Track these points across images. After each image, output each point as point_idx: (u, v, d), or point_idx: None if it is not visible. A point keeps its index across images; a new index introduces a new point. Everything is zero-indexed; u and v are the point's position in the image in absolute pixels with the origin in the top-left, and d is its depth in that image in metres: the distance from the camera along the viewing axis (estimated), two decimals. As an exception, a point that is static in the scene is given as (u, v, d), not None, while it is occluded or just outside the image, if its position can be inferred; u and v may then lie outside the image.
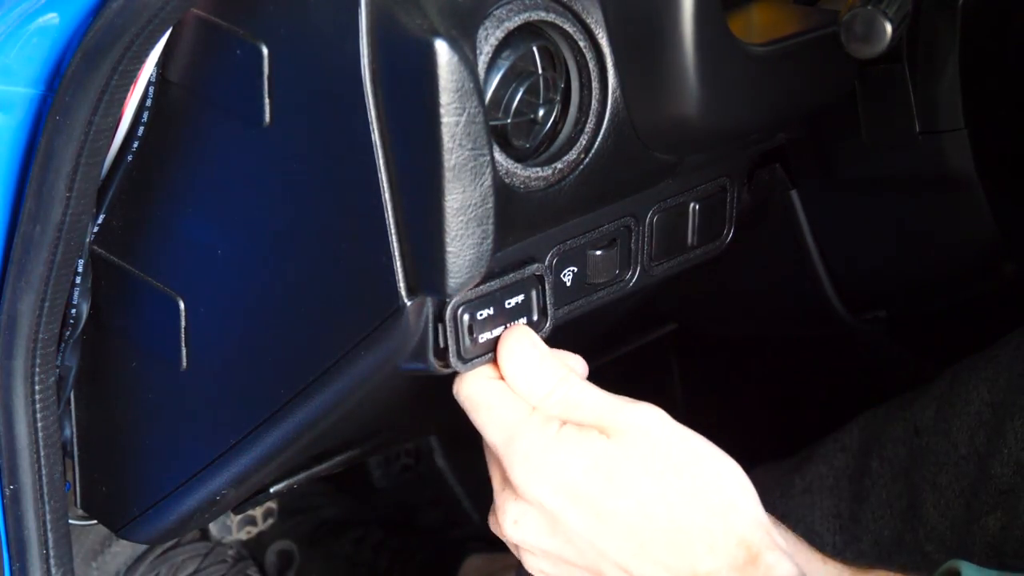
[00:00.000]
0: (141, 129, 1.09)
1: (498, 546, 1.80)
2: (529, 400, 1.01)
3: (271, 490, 1.30)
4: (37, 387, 1.09)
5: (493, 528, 1.03)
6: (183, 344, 1.12)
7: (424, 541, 1.87)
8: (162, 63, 1.07)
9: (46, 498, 1.11)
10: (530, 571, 1.03)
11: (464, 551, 1.83)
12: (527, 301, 1.06)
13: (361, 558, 1.85)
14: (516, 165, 1.02)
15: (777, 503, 1.37)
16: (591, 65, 1.04)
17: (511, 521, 1.00)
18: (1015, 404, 1.22)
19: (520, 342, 1.03)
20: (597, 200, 1.10)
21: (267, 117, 1.01)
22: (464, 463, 1.98)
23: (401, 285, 0.99)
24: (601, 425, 0.99)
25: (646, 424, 0.98)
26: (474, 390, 1.02)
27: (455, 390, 1.04)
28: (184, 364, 1.13)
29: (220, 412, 1.13)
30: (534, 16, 1.00)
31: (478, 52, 0.98)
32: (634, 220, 1.14)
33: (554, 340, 1.06)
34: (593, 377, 1.04)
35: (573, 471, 0.97)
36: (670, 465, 0.97)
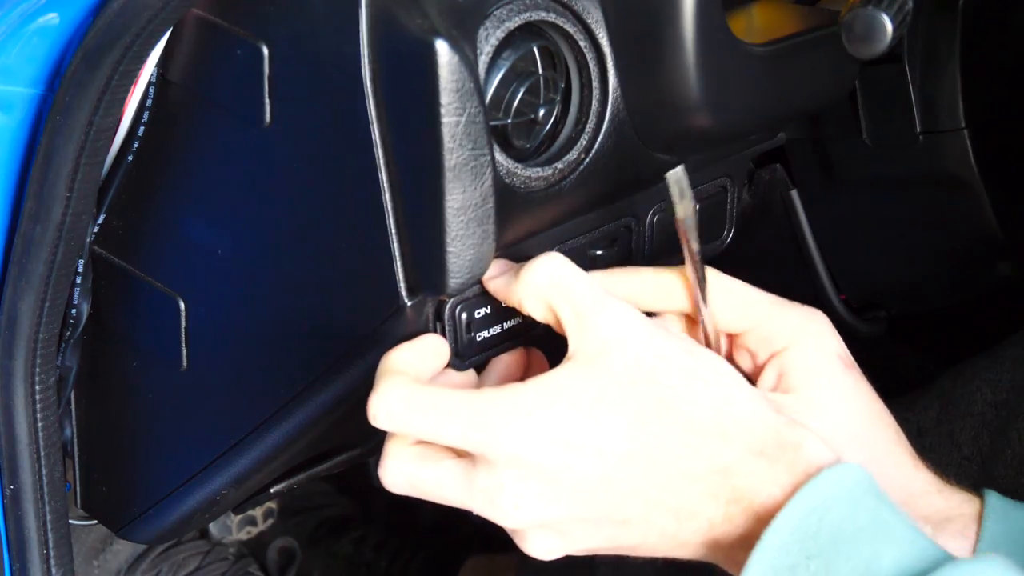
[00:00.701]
0: (141, 129, 1.09)
1: (498, 547, 1.80)
2: (522, 289, 0.94)
3: (271, 490, 1.30)
4: (37, 387, 1.09)
5: (486, 512, 0.93)
6: (183, 344, 1.12)
7: (424, 541, 1.88)
8: (162, 63, 1.07)
9: (46, 498, 1.11)
10: (543, 556, 0.94)
11: (465, 552, 1.84)
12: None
13: (361, 558, 1.85)
14: (516, 165, 1.02)
15: None
16: (591, 65, 1.04)
17: (511, 504, 0.91)
18: (1019, 405, 1.22)
19: (552, 259, 0.96)
20: (597, 200, 1.10)
21: (267, 117, 1.01)
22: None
23: (401, 285, 0.99)
24: (579, 326, 0.92)
25: (618, 332, 0.91)
26: (402, 400, 0.92)
27: (374, 414, 0.93)
28: (184, 364, 1.13)
29: (220, 412, 1.13)
30: (534, 16, 1.00)
31: (478, 52, 0.98)
32: (634, 220, 1.14)
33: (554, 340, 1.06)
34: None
35: (550, 417, 0.90)
36: (650, 383, 0.90)
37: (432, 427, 0.92)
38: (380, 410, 0.93)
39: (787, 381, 0.99)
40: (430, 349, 0.98)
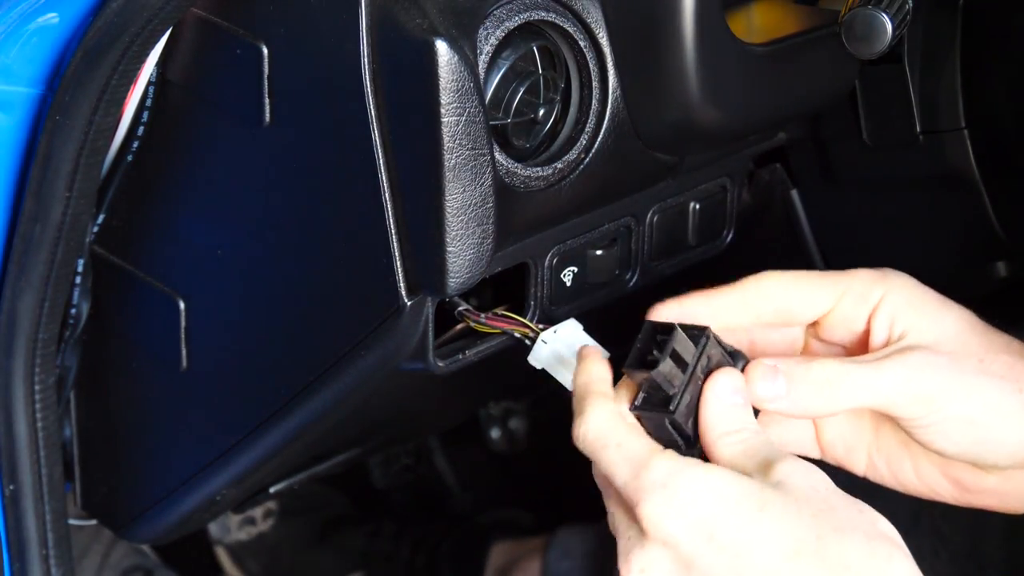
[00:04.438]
0: (141, 129, 1.09)
1: (523, 532, 1.81)
2: (709, 433, 0.91)
3: (271, 490, 1.30)
4: (37, 387, 1.09)
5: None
6: (183, 344, 1.12)
7: (450, 528, 1.88)
8: (162, 63, 1.07)
9: (46, 498, 1.11)
10: None
11: (492, 537, 1.84)
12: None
13: (377, 550, 1.85)
14: (516, 165, 1.02)
15: None
16: (591, 65, 1.04)
17: (637, 570, 0.87)
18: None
19: (728, 381, 0.93)
20: (597, 200, 1.10)
21: (267, 117, 1.01)
22: (464, 463, 1.98)
23: (401, 285, 0.99)
24: (763, 471, 0.88)
25: (807, 479, 0.88)
26: (602, 428, 0.91)
27: (577, 434, 0.92)
28: (184, 364, 1.13)
29: (220, 412, 1.13)
30: (534, 16, 1.00)
31: (478, 52, 0.98)
32: (634, 220, 1.14)
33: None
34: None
35: (713, 504, 0.86)
36: (823, 511, 0.86)
37: (609, 462, 0.90)
38: (584, 434, 0.92)
39: (903, 318, 0.98)
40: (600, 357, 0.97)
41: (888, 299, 0.99)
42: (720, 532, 0.85)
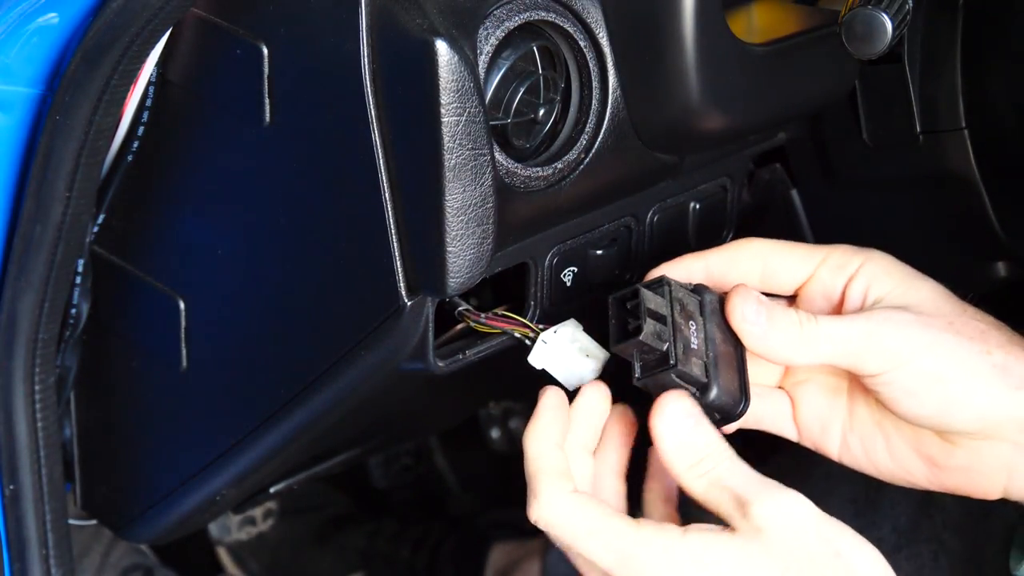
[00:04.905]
0: (141, 129, 1.09)
1: (524, 533, 1.80)
2: (672, 469, 0.93)
3: (271, 490, 1.30)
4: (37, 387, 1.09)
5: None
6: (183, 344, 1.12)
7: (451, 529, 1.88)
8: (162, 63, 1.07)
9: (46, 498, 1.11)
10: None
11: (492, 537, 1.84)
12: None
13: (377, 550, 1.85)
14: (516, 165, 1.02)
15: (796, 489, 1.37)
16: (591, 65, 1.04)
17: None
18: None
19: (677, 408, 0.94)
20: (597, 200, 1.10)
21: (267, 117, 1.01)
22: (464, 463, 1.98)
23: (401, 285, 0.99)
24: (740, 511, 0.91)
25: (786, 519, 0.90)
26: (564, 517, 0.93)
27: (534, 517, 0.93)
28: (184, 364, 1.13)
29: (220, 412, 1.13)
30: (534, 16, 1.00)
31: (478, 52, 0.98)
32: (634, 220, 1.14)
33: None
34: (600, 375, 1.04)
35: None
36: (811, 567, 0.89)
37: (587, 551, 0.92)
38: (541, 519, 0.93)
39: (878, 285, 1.00)
40: (558, 417, 0.97)
41: (865, 269, 1.01)
42: None
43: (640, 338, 0.91)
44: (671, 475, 0.94)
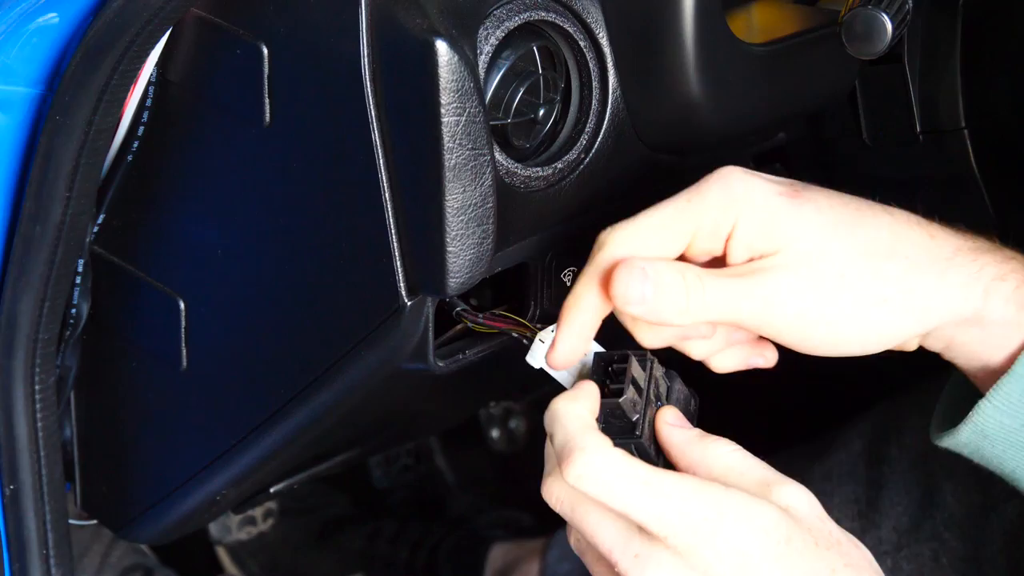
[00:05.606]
0: (141, 129, 1.09)
1: (523, 532, 1.80)
2: (681, 460, 0.92)
3: (271, 490, 1.30)
4: (37, 387, 1.09)
5: None
6: (183, 344, 1.12)
7: (449, 530, 1.88)
8: (162, 63, 1.07)
9: (46, 498, 1.11)
10: None
11: (491, 538, 1.84)
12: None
13: (377, 551, 1.85)
14: (516, 165, 1.02)
15: None
16: (591, 65, 1.04)
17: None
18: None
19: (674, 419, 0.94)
20: (597, 200, 1.10)
21: (267, 117, 1.01)
22: (464, 463, 1.98)
23: (401, 285, 0.99)
24: (760, 488, 0.90)
25: (803, 504, 0.90)
26: (615, 465, 0.89)
27: (580, 474, 0.90)
28: (184, 364, 1.13)
29: (220, 412, 1.13)
30: (534, 16, 1.00)
31: (478, 52, 0.98)
32: (634, 220, 1.14)
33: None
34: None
35: (748, 536, 0.88)
36: (833, 546, 0.90)
37: (634, 502, 0.89)
38: (587, 473, 0.90)
39: (758, 247, 0.95)
40: (591, 395, 0.95)
41: (740, 228, 0.95)
42: (755, 564, 0.87)
43: (620, 401, 0.91)
44: (684, 464, 0.93)
